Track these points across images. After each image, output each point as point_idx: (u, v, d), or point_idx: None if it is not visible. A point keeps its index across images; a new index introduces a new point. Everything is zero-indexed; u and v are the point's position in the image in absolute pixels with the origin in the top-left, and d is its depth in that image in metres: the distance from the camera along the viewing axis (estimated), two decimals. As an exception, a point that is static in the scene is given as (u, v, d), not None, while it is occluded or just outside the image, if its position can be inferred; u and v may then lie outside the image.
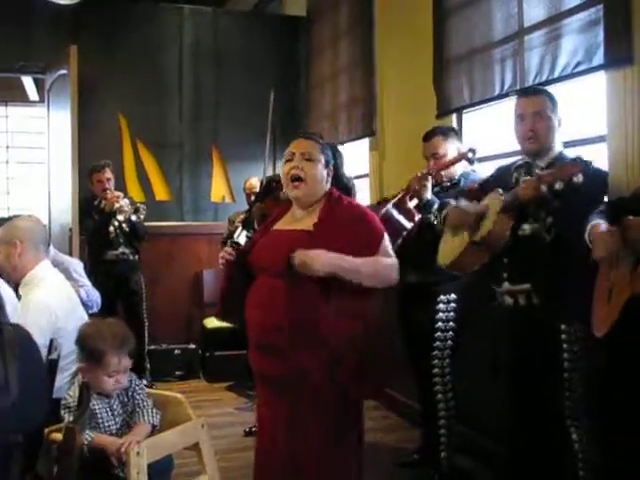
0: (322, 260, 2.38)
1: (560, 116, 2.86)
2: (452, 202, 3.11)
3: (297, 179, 2.56)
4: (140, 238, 5.57)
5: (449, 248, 3.02)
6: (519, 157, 3.04)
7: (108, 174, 5.48)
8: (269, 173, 4.72)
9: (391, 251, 2.58)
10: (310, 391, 2.44)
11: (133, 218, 5.41)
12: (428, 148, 3.72)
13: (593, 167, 2.73)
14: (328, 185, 2.63)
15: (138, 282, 5.61)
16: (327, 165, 2.62)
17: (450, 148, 3.65)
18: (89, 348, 2.63)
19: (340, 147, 2.88)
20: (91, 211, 5.48)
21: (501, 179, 2.97)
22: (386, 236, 2.56)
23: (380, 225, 2.58)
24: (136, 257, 5.59)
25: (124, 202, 5.39)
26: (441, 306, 3.53)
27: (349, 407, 2.50)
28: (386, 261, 2.53)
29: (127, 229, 5.46)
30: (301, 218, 2.60)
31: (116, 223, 5.44)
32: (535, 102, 2.86)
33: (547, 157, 2.84)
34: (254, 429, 3.81)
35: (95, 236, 5.48)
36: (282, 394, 2.51)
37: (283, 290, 2.44)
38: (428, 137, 3.73)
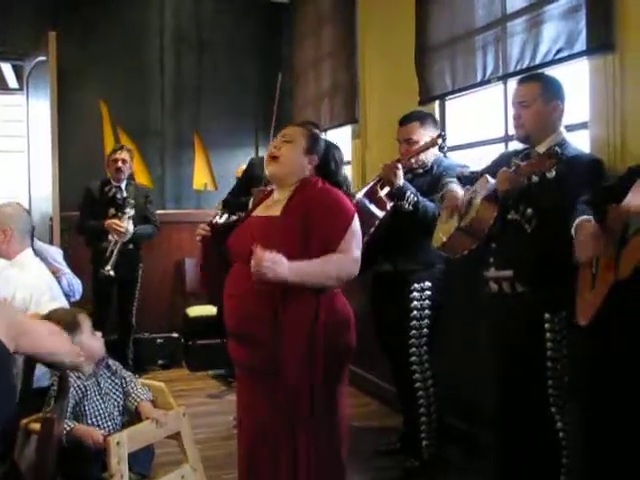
0: (278, 270, 2.29)
1: (559, 101, 2.77)
2: (454, 185, 3.07)
3: (273, 157, 2.57)
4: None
5: (441, 231, 3.01)
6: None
7: (124, 155, 5.38)
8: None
9: (357, 239, 2.50)
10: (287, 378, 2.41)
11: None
12: (403, 132, 3.66)
13: (574, 156, 2.70)
14: (307, 172, 2.59)
15: (139, 271, 5.53)
16: (309, 152, 2.59)
17: (425, 134, 3.59)
18: None
19: (322, 135, 2.81)
20: (95, 207, 5.32)
21: (501, 165, 2.88)
22: (355, 223, 2.49)
23: (351, 212, 2.51)
24: (139, 250, 5.50)
25: (129, 234, 5.20)
26: (415, 294, 3.53)
27: (329, 385, 2.46)
28: (344, 260, 2.44)
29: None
30: (276, 202, 2.58)
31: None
32: (520, 91, 2.84)
33: (546, 143, 2.75)
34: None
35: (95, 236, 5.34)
36: (259, 381, 2.49)
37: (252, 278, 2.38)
38: (404, 121, 3.68)
